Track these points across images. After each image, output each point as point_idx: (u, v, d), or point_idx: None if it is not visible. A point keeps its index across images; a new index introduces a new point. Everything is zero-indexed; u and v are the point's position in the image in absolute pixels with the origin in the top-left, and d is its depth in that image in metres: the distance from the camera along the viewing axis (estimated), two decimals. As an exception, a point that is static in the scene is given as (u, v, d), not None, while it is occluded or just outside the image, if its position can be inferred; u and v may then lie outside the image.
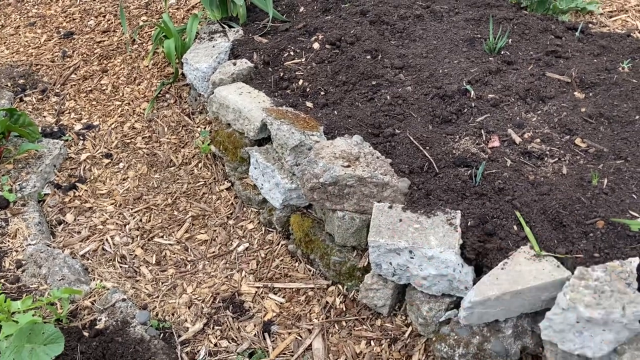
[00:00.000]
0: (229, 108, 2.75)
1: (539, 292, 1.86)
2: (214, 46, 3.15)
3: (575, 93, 2.54)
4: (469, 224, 2.06)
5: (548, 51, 2.76)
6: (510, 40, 2.84)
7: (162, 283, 2.52)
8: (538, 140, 2.37)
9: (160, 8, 3.98)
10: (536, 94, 2.56)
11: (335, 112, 2.63)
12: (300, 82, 2.82)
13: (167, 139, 3.18)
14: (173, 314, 2.39)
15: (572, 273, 1.84)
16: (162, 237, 2.71)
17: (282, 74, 2.90)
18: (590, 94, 2.53)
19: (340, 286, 2.40)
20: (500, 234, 2.01)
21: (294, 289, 2.43)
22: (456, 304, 2.06)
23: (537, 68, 2.69)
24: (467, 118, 2.52)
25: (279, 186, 2.52)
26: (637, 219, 1.99)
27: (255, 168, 2.68)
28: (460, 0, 3.19)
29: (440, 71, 2.74)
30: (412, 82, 2.73)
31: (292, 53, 3.00)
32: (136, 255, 2.64)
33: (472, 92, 2.59)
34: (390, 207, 2.15)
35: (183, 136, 3.18)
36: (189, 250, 2.65)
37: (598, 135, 2.35)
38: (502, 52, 2.80)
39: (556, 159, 2.29)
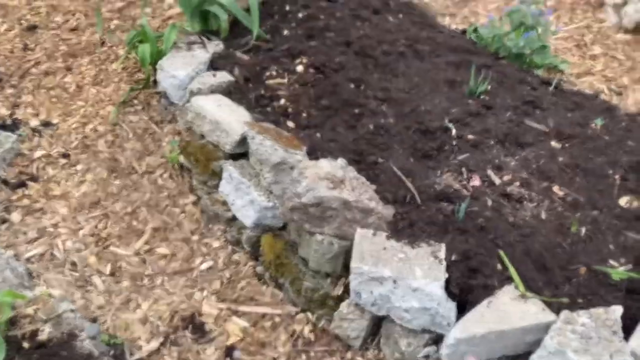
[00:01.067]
0: (206, 118, 2.64)
1: (524, 334, 1.83)
2: (192, 56, 3.05)
3: (552, 143, 2.60)
4: (452, 258, 2.03)
5: (526, 100, 2.83)
6: (489, 86, 2.90)
7: (116, 295, 2.33)
8: (517, 183, 2.39)
9: (135, 15, 3.85)
10: (515, 139, 2.60)
11: (318, 134, 2.57)
12: (282, 101, 2.76)
13: (132, 145, 3.01)
14: (126, 330, 2.20)
15: (557, 317, 1.83)
16: (118, 246, 2.53)
17: (263, 92, 2.83)
18: (567, 145, 2.60)
19: (309, 314, 2.29)
20: (485, 271, 1.99)
21: (259, 314, 2.30)
22: (434, 340, 2.00)
23: (515, 115, 2.74)
24: (448, 155, 2.53)
25: (254, 203, 2.42)
26: (616, 268, 2.02)
27: (227, 183, 2.56)
28: (441, 43, 3.25)
29: (422, 107, 2.75)
30: (394, 115, 2.72)
31: (274, 73, 2.94)
32: (88, 263, 2.44)
33: (454, 131, 2.60)
34: (374, 234, 2.09)
35: (149, 144, 3.03)
36: (147, 263, 2.48)
37: (574, 185, 2.40)
38: (482, 97, 2.85)
39: (535, 204, 2.31)
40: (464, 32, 3.54)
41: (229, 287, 2.40)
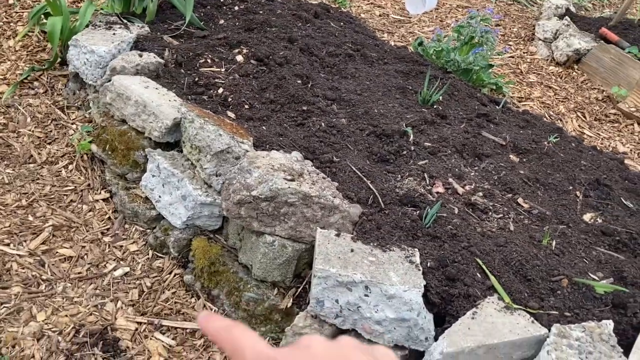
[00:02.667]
0: (130, 100, 2.23)
1: (513, 349, 1.59)
2: (114, 34, 2.63)
3: (511, 156, 2.47)
4: (428, 264, 1.76)
5: (479, 113, 2.70)
6: (441, 97, 2.74)
7: (2, 304, 1.82)
8: (480, 194, 2.20)
9: (39, -9, 3.35)
10: (472, 150, 2.44)
11: (264, 127, 2.25)
12: (220, 90, 2.42)
13: (30, 130, 2.50)
14: (14, 346, 1.70)
15: (548, 330, 1.61)
16: (8, 244, 2.01)
17: (196, 79, 2.47)
18: (524, 160, 2.47)
19: (249, 331, 1.90)
20: (465, 280, 1.74)
21: (188, 330, 1.88)
22: (407, 359, 1.70)
23: (470, 127, 2.59)
24: (407, 160, 2.30)
25: (187, 199, 2.02)
26: (597, 281, 1.85)
27: (153, 176, 2.15)
28: (389, 52, 3.08)
29: (376, 111, 2.52)
30: (346, 116, 2.46)
31: (209, 61, 2.60)
32: (-34, 262, 1.91)
33: (411, 136, 2.39)
34: (338, 235, 1.78)
35: (51, 131, 2.53)
36: (46, 266, 1.98)
37: (538, 199, 2.25)
38: (435, 106, 2.68)
39: (501, 215, 2.13)
40: (404, 47, 3.40)
41: (150, 298, 1.96)
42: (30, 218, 2.14)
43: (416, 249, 1.79)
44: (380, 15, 3.94)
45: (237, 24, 2.95)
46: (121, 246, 2.13)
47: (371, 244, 1.78)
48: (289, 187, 1.80)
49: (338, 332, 1.76)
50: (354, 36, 3.16)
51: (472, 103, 2.81)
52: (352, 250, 1.73)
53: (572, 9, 4.23)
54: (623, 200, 2.34)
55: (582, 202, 2.28)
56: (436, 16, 4.08)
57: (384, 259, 1.72)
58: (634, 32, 3.72)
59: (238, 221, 1.88)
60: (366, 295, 1.64)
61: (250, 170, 1.86)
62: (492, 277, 1.75)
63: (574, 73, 3.62)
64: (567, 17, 3.91)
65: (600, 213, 2.25)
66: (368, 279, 1.63)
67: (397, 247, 1.78)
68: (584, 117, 3.22)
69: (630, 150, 2.96)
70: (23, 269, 1.95)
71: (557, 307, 1.72)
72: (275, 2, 3.29)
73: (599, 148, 2.80)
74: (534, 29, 4.03)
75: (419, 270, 1.70)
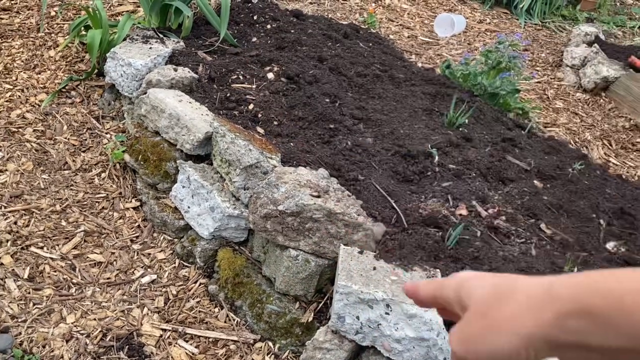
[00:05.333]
0: (165, 113, 2.31)
1: (532, 374, 1.60)
2: (150, 48, 2.72)
3: (535, 181, 2.48)
4: (449, 286, 1.78)
5: (505, 138, 2.72)
6: (467, 120, 2.78)
7: (34, 305, 1.89)
8: (504, 218, 2.22)
9: (79, 3, 3.47)
10: (497, 174, 2.46)
11: (292, 144, 2.31)
12: (251, 106, 2.48)
13: (66, 138, 2.60)
14: (44, 346, 1.76)
15: (567, 357, 1.62)
16: (42, 247, 2.09)
17: (228, 94, 2.54)
18: (549, 185, 2.48)
19: (270, 343, 1.95)
20: (485, 302, 1.75)
21: (210, 339, 1.93)
22: (425, 378, 1.72)
23: (495, 151, 2.62)
24: (431, 181, 2.33)
25: (215, 211, 2.08)
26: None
27: (183, 187, 2.22)
28: (416, 73, 3.12)
29: (402, 131, 2.56)
30: (372, 135, 2.51)
31: (241, 77, 2.67)
32: (2, 263, 1.98)
33: (436, 157, 2.42)
34: (361, 253, 1.82)
35: (86, 139, 2.62)
36: (77, 270, 2.05)
37: (560, 225, 2.26)
38: (461, 129, 2.71)
39: (523, 240, 2.14)
40: (432, 70, 3.45)
41: (175, 306, 2.01)
42: (64, 223, 2.22)
43: (438, 270, 1.81)
44: (408, 37, 3.99)
45: (269, 42, 3.02)
46: (149, 254, 2.19)
47: (393, 262, 1.81)
48: (315, 204, 1.84)
49: (358, 348, 1.79)
50: (382, 57, 3.21)
51: (497, 127, 2.84)
52: (374, 269, 1.77)
53: (602, 36, 4.23)
54: (647, 230, 2.33)
55: (605, 231, 2.29)
56: (464, 39, 4.12)
57: (406, 278, 1.75)
58: (663, 62, 3.71)
59: (264, 234, 1.93)
60: (387, 314, 1.67)
61: (278, 185, 1.92)
62: (512, 301, 1.77)
63: (601, 100, 3.62)
64: (595, 44, 3.92)
65: (624, 242, 2.25)
66: (389, 298, 1.66)
67: (419, 267, 1.81)
68: (610, 145, 3.22)
69: (656, 180, 2.95)
70: (55, 272, 2.02)
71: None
72: (306, 21, 3.36)
73: (624, 177, 2.79)
74: (562, 55, 4.05)
75: (440, 290, 1.72)
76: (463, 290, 0.51)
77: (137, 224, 2.30)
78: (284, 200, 1.87)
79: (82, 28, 3.02)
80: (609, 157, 3.11)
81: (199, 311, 2.02)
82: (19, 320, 1.81)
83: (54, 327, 1.83)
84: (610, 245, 2.23)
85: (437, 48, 3.93)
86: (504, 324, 0.46)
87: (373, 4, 4.37)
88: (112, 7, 3.53)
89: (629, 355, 0.43)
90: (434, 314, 1.65)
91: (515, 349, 0.45)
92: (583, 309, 0.43)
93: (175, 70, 2.55)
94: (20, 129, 2.57)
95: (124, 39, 2.86)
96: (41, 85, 2.84)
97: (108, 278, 2.06)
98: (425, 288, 0.57)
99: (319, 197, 1.88)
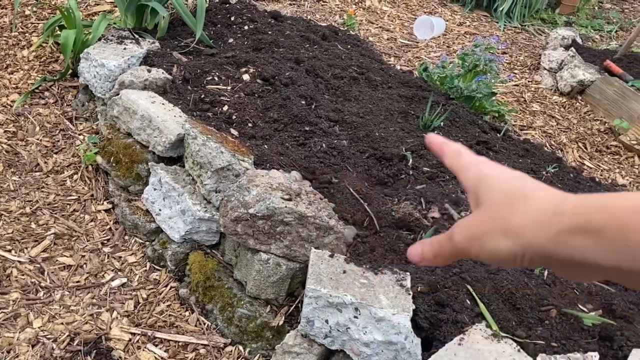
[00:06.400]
0: (137, 114, 2.29)
1: (499, 377, 1.60)
2: (124, 49, 2.70)
3: (508, 184, 2.49)
4: (418, 289, 1.79)
5: (479, 140, 2.73)
6: (442, 122, 2.79)
7: (0, 310, 1.86)
8: (476, 220, 2.23)
9: (54, 3, 3.43)
10: (470, 177, 2.47)
11: (266, 146, 2.30)
12: (225, 108, 2.47)
13: (38, 139, 2.56)
14: (9, 352, 1.73)
15: (534, 360, 1.63)
16: (9, 251, 2.06)
17: (203, 96, 2.53)
18: (522, 188, 2.50)
19: (241, 347, 1.94)
20: (454, 306, 1.76)
21: (180, 343, 1.91)
22: (394, 382, 1.72)
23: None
24: (405, 184, 2.34)
25: (186, 214, 2.07)
26: (586, 313, 1.87)
27: (154, 189, 2.20)
28: (393, 76, 3.13)
29: (377, 134, 2.56)
30: (347, 138, 2.51)
31: (216, 78, 2.66)
32: (-32, 267, 1.95)
33: (410, 160, 2.42)
34: (332, 256, 1.81)
35: (59, 141, 2.59)
36: (46, 274, 2.02)
37: (533, 228, 2.28)
38: (436, 132, 2.72)
39: (495, 243, 2.15)
40: (410, 72, 3.46)
41: (145, 310, 1.99)
42: (33, 225, 2.19)
43: (408, 273, 1.81)
44: (388, 39, 4.00)
45: (245, 43, 3.01)
46: (120, 257, 2.17)
47: (364, 266, 1.81)
48: (286, 207, 1.84)
49: (327, 352, 1.79)
50: (360, 59, 3.21)
51: (473, 130, 2.85)
52: (344, 272, 1.76)
53: (579, 40, 4.27)
54: (618, 233, 2.36)
55: (576, 233, 2.30)
56: (443, 42, 4.14)
57: (375, 281, 1.75)
58: (637, 66, 3.75)
59: (234, 238, 1.92)
60: (355, 317, 1.67)
61: (249, 188, 1.90)
62: (481, 304, 1.78)
63: (578, 104, 3.65)
64: (573, 48, 3.96)
65: (594, 245, 2.26)
66: (358, 301, 1.66)
67: (389, 270, 1.81)
68: (585, 147, 3.24)
69: (630, 182, 2.98)
70: (23, 275, 1.99)
71: (544, 337, 1.73)
72: (284, 23, 3.35)
73: (598, 179, 2.82)
74: (540, 58, 4.08)
75: (409, 294, 1.73)
76: (480, 186, 0.54)
77: (108, 227, 2.28)
78: (255, 203, 1.86)
79: (57, 28, 2.99)
80: (584, 159, 3.13)
81: (169, 315, 2.00)
82: (-16, 324, 1.79)
83: (19, 332, 1.80)
84: (581, 248, 2.24)
85: (416, 51, 3.94)
86: (510, 230, 0.48)
87: (353, 6, 4.37)
88: (88, 7, 3.49)
89: (626, 276, 0.44)
90: (403, 317, 1.65)
91: (512, 253, 0.48)
92: (583, 226, 0.44)
93: (149, 71, 2.53)
94: (-10, 130, 2.54)
95: (99, 39, 2.83)
96: (13, 86, 2.81)
97: (77, 281, 2.04)
98: (451, 159, 0.61)
99: (290, 200, 1.87)
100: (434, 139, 0.64)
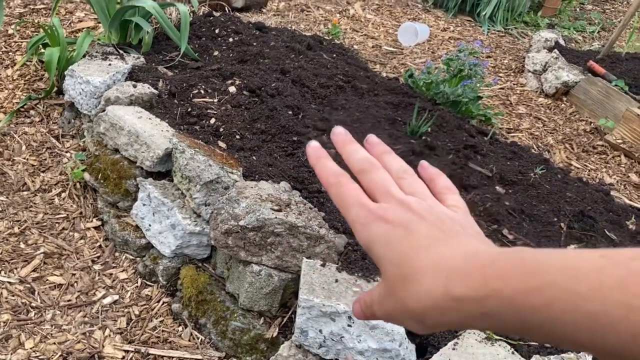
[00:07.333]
0: (123, 130, 2.28)
1: (494, 381, 1.61)
2: (109, 65, 2.69)
3: (497, 187, 2.51)
4: (411, 296, 1.79)
5: (467, 145, 2.75)
6: (429, 128, 2.80)
7: (-10, 331, 1.84)
8: (466, 224, 2.24)
9: (37, 21, 3.42)
10: (459, 181, 2.48)
11: (254, 157, 2.30)
12: (213, 120, 2.47)
13: (24, 158, 2.55)
14: (1, 374, 1.72)
15: (529, 362, 1.64)
16: (-1, 272, 2.04)
17: (189, 109, 2.53)
18: (511, 191, 2.51)
19: (235, 360, 1.93)
20: (448, 311, 1.76)
21: (174, 359, 1.90)
22: (390, 390, 1.72)
23: (458, 158, 2.64)
24: (394, 191, 2.34)
25: (176, 228, 2.06)
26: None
27: (144, 205, 2.19)
28: (379, 84, 3.14)
29: (365, 141, 2.57)
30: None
31: (202, 91, 2.66)
32: (-43, 289, 1.93)
33: (399, 167, 2.43)
34: (324, 265, 1.81)
35: (45, 159, 2.58)
36: (36, 293, 2.01)
37: (523, 230, 2.29)
38: (423, 137, 2.73)
39: (486, 246, 2.16)
40: (396, 79, 3.48)
41: (138, 326, 1.98)
42: (22, 245, 2.17)
43: (400, 280, 1.81)
44: (373, 47, 4.02)
45: (231, 55, 3.02)
46: (111, 274, 2.16)
47: (356, 274, 1.81)
48: (276, 218, 1.84)
49: (322, 362, 1.78)
50: (346, 68, 3.23)
51: (460, 134, 2.87)
52: (336, 281, 1.76)
53: (562, 41, 4.32)
54: (607, 232, 2.37)
55: (566, 234, 2.32)
56: (428, 48, 4.17)
57: (368, 289, 1.75)
58: (620, 65, 3.80)
59: (225, 250, 1.92)
60: (349, 326, 1.67)
61: (239, 200, 1.90)
62: (474, 308, 1.78)
63: (563, 105, 3.68)
64: (556, 50, 4.00)
65: (584, 245, 2.28)
66: (351, 310, 1.65)
67: (381, 277, 1.81)
68: (572, 148, 3.27)
69: (617, 181, 3.01)
70: (13, 296, 1.97)
71: (536, 340, 1.74)
72: (269, 34, 3.36)
73: (585, 179, 2.84)
74: (524, 60, 4.12)
75: (402, 301, 1.73)
76: (371, 252, 0.50)
77: (98, 244, 2.26)
78: (245, 215, 1.85)
79: (40, 46, 2.98)
80: (571, 160, 3.16)
81: (163, 330, 1.98)
82: (-26, 348, 1.77)
83: (11, 354, 1.78)
84: (570, 248, 2.26)
85: (401, 57, 3.96)
86: (413, 314, 0.46)
87: (337, 15, 4.40)
88: (72, 24, 3.49)
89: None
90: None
91: (430, 329, 0.46)
92: (481, 313, 0.42)
93: (135, 86, 2.53)
94: (-24, 151, 2.52)
95: (83, 56, 2.83)
96: (-1, 105, 2.79)
97: (69, 300, 2.02)
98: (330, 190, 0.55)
99: (280, 210, 1.87)
100: (313, 152, 0.57)
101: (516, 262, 0.41)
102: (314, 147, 0.57)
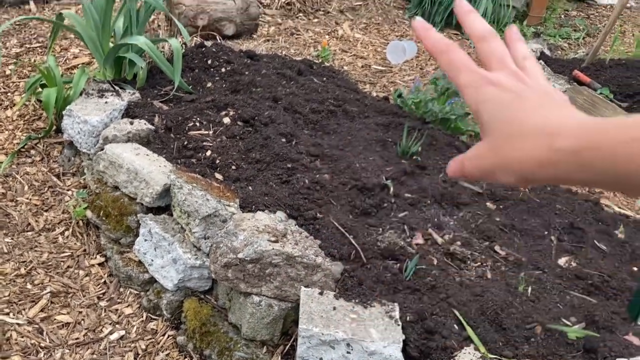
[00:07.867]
0: (122, 168, 2.35)
1: (490, 399, 1.67)
2: (106, 102, 2.77)
3: (488, 203, 2.58)
4: (407, 318, 1.86)
5: (457, 163, 2.82)
6: (420, 147, 2.87)
7: (2, 374, 1.90)
8: (459, 243, 2.30)
9: (34, 61, 3.51)
10: (451, 199, 2.55)
11: (250, 187, 2.37)
12: (209, 152, 2.54)
13: (27, 199, 2.62)
14: (15, 416, 1.78)
15: (523, 379, 1.70)
16: (8, 314, 2.11)
17: (186, 143, 2.60)
18: (501, 207, 2.58)
19: (241, 389, 1.99)
20: (443, 332, 1.83)
21: (182, 391, 1.96)
22: (391, 412, 1.78)
23: (449, 176, 2.71)
24: (388, 212, 2.41)
25: (178, 262, 2.13)
26: (570, 327, 1.94)
27: (145, 240, 2.26)
28: (369, 106, 3.22)
29: (357, 165, 2.64)
30: (329, 171, 2.58)
31: (197, 124, 2.73)
32: (-32, 334, 2.00)
33: (392, 188, 2.50)
34: (321, 294, 1.88)
35: (48, 198, 2.65)
36: (45, 333, 2.07)
37: (514, 245, 2.35)
38: (414, 157, 2.80)
39: (479, 263, 2.23)
40: (385, 98, 3.55)
41: (145, 360, 2.04)
42: (29, 286, 2.23)
43: (396, 304, 1.88)
44: (362, 67, 4.10)
45: (224, 86, 3.09)
46: (116, 310, 2.22)
47: (353, 300, 1.87)
48: (273, 249, 1.90)
49: (324, 387, 1.84)
50: (336, 91, 3.30)
51: (450, 152, 2.94)
52: (334, 308, 1.82)
53: (547, 52, 4.40)
54: (596, 242, 2.44)
55: (556, 247, 2.38)
56: (416, 64, 4.25)
57: (365, 315, 1.81)
58: (605, 73, 3.88)
59: (226, 283, 1.98)
60: (348, 353, 1.73)
61: (236, 233, 1.97)
62: (468, 328, 1.84)
63: (551, 114, 3.75)
64: (541, 60, 4.08)
65: (575, 256, 2.34)
66: (349, 337, 1.72)
67: (377, 302, 1.87)
68: (561, 158, 3.33)
69: (606, 189, 3.07)
70: (22, 337, 2.04)
71: (531, 355, 1.80)
72: (260, 61, 3.44)
73: (573, 190, 2.91)
74: (511, 72, 4.19)
75: (398, 325, 1.79)
76: (479, 113, 0.57)
77: (103, 280, 2.33)
78: (243, 247, 1.92)
79: (38, 86, 3.06)
80: (561, 170, 3.22)
81: (169, 363, 2.05)
82: (-12, 391, 1.83)
83: (23, 395, 1.85)
84: (562, 261, 2.32)
85: (390, 75, 4.04)
86: (512, 167, 0.53)
87: (327, 36, 4.49)
88: (67, 61, 3.57)
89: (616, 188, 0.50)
90: (394, 349, 1.71)
91: (520, 182, 0.54)
92: (579, 164, 0.49)
93: (132, 123, 2.60)
94: (-20, 194, 2.59)
95: (80, 94, 2.90)
96: (0, 147, 2.86)
97: (77, 338, 2.08)
98: (444, 66, 0.61)
99: (277, 241, 1.94)
100: (419, 25, 0.62)
101: (614, 121, 0.48)
102: (420, 21, 0.62)
